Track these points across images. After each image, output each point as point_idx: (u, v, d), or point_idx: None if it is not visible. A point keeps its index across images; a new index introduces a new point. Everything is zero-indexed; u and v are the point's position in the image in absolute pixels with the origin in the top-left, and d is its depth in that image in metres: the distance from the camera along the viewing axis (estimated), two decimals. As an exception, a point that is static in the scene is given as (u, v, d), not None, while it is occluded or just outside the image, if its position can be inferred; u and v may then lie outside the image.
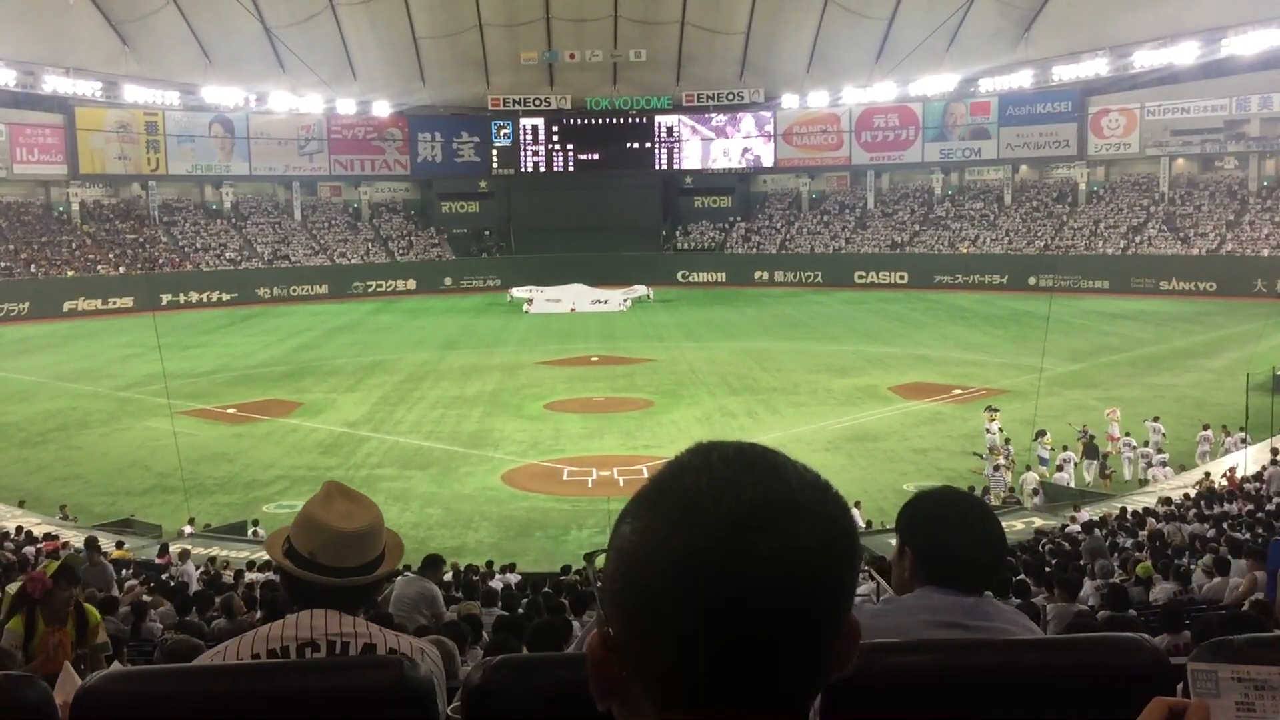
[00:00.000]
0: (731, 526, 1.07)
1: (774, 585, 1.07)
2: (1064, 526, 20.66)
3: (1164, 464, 27.04)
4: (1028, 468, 27.33)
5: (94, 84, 71.11)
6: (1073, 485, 27.18)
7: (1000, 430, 28.96)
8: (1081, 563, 14.31)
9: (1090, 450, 28.17)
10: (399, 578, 11.15)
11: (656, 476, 1.18)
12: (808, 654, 1.10)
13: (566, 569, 18.12)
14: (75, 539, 21.87)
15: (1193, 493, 21.32)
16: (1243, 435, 27.76)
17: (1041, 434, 28.21)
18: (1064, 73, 72.87)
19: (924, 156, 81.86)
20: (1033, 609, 8.14)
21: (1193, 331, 50.55)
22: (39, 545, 19.67)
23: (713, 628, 1.07)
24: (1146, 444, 28.00)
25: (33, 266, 67.65)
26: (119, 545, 20.66)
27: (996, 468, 27.00)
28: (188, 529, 23.46)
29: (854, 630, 1.18)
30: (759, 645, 1.08)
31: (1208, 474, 22.89)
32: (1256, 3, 60.98)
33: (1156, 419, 29.15)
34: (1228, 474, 22.68)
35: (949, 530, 2.44)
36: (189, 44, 74.26)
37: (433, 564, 11.48)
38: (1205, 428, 28.71)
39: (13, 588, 5.77)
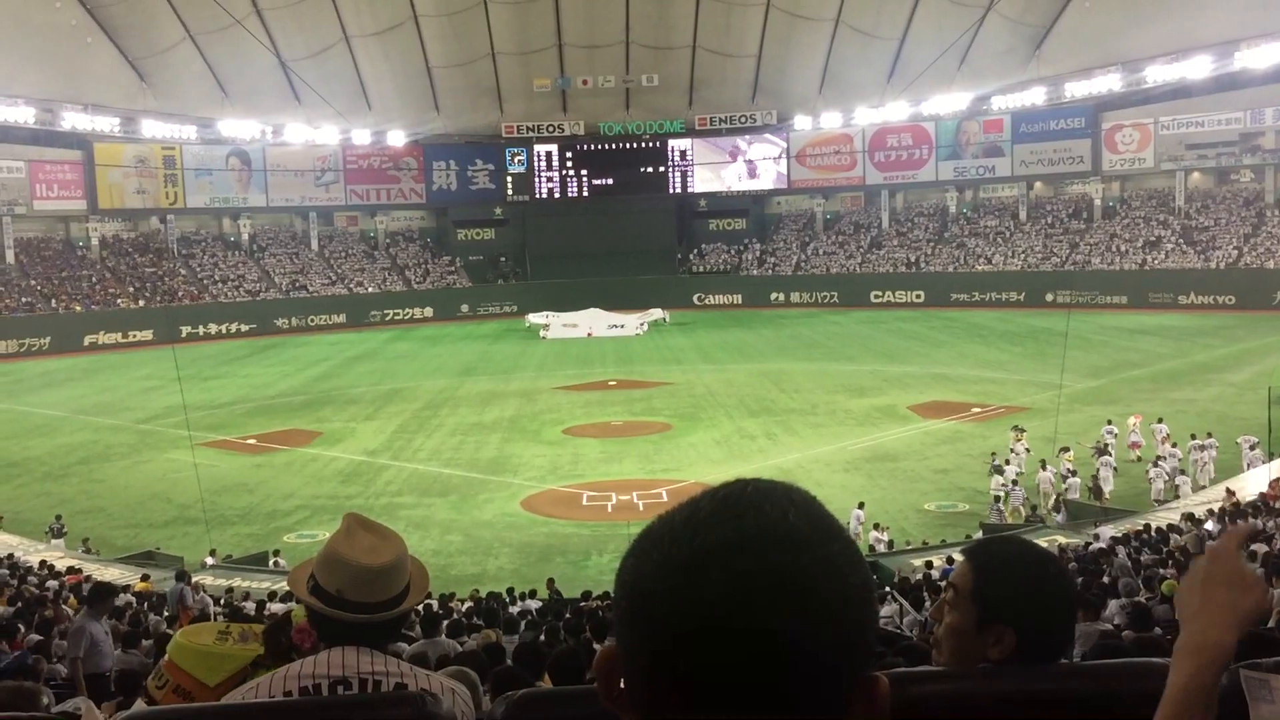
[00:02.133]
0: (681, 569, 1.13)
1: (717, 626, 1.10)
2: (1087, 545, 20.50)
3: (1173, 470, 27.03)
4: (1042, 464, 27.29)
5: (112, 120, 71.84)
6: (1107, 491, 26.99)
7: (1027, 450, 28.87)
8: (1105, 580, 14.20)
9: (1101, 450, 28.23)
10: None
11: (665, 511, 1.24)
12: (772, 694, 1.11)
13: (587, 595, 18.08)
14: (98, 572, 21.98)
15: (1216, 508, 21.13)
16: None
17: (1065, 450, 28.11)
18: (1076, 89, 72.84)
19: (938, 175, 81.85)
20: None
21: (1213, 345, 50.25)
22: (62, 579, 19.76)
23: (659, 654, 1.13)
24: (1163, 456, 28.02)
25: (53, 301, 68.17)
26: (143, 578, 20.71)
27: (1014, 482, 26.76)
28: (210, 560, 23.52)
29: (873, 690, 1.18)
30: (715, 679, 1.11)
31: (1232, 490, 22.66)
32: (1269, 15, 60.85)
33: (1160, 420, 29.97)
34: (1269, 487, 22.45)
35: (1056, 609, 2.16)
36: (205, 79, 75.01)
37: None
38: (1208, 435, 28.73)
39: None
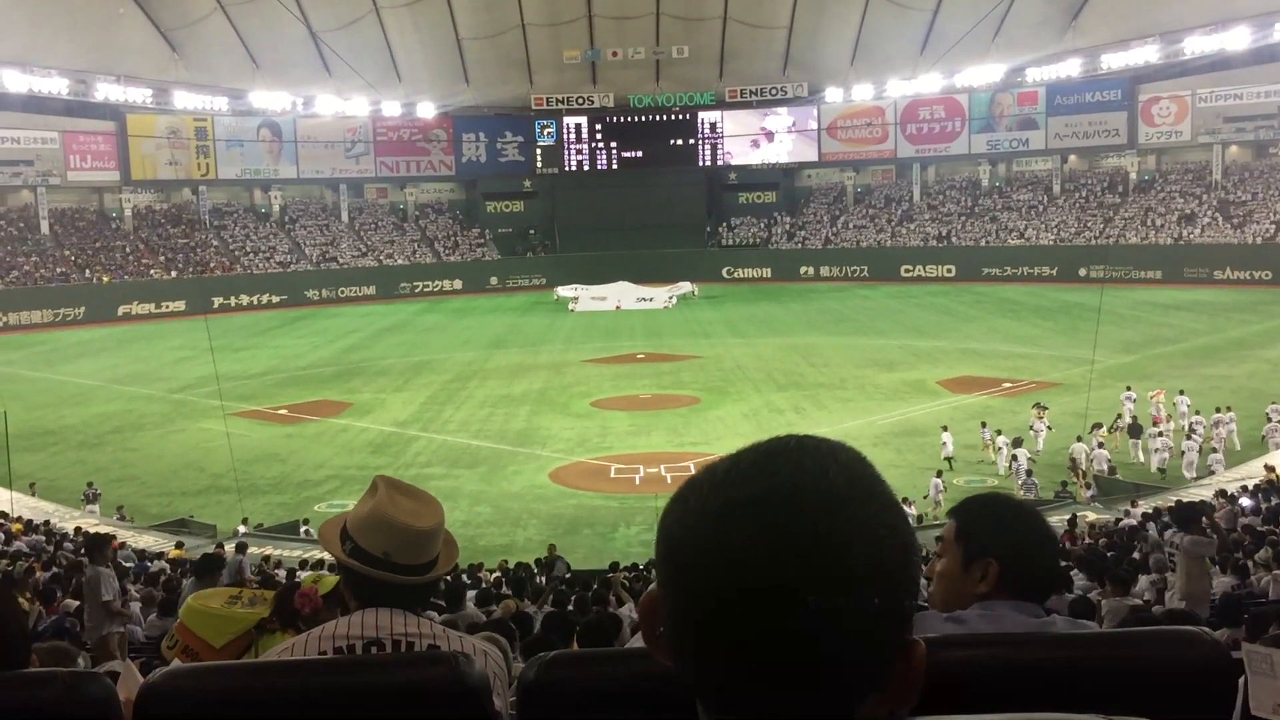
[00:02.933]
0: (713, 517, 1.13)
1: (743, 576, 1.09)
2: (1118, 520, 20.39)
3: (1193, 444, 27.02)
4: (1077, 438, 27.44)
5: (144, 91, 72.19)
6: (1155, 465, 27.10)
7: (1048, 428, 28.78)
8: (1136, 556, 14.12)
9: (1134, 430, 28.34)
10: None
11: (711, 461, 1.24)
12: (799, 647, 1.09)
13: (615, 566, 18.15)
14: (133, 539, 22.27)
15: (1251, 484, 20.95)
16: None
17: (1098, 426, 28.01)
18: (1113, 61, 71.78)
19: (970, 148, 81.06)
20: (1087, 604, 8.05)
21: (1248, 321, 49.67)
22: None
23: (694, 604, 1.12)
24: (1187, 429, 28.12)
25: (87, 271, 68.80)
26: (178, 545, 20.97)
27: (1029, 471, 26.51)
28: (242, 529, 23.78)
29: (910, 654, 1.17)
30: (726, 633, 1.10)
31: (1271, 467, 22.44)
32: (1311, -15, 59.77)
33: (1182, 393, 30.24)
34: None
35: (1034, 542, 2.38)
36: (237, 50, 75.20)
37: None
38: (1227, 409, 29.01)
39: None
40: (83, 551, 15.80)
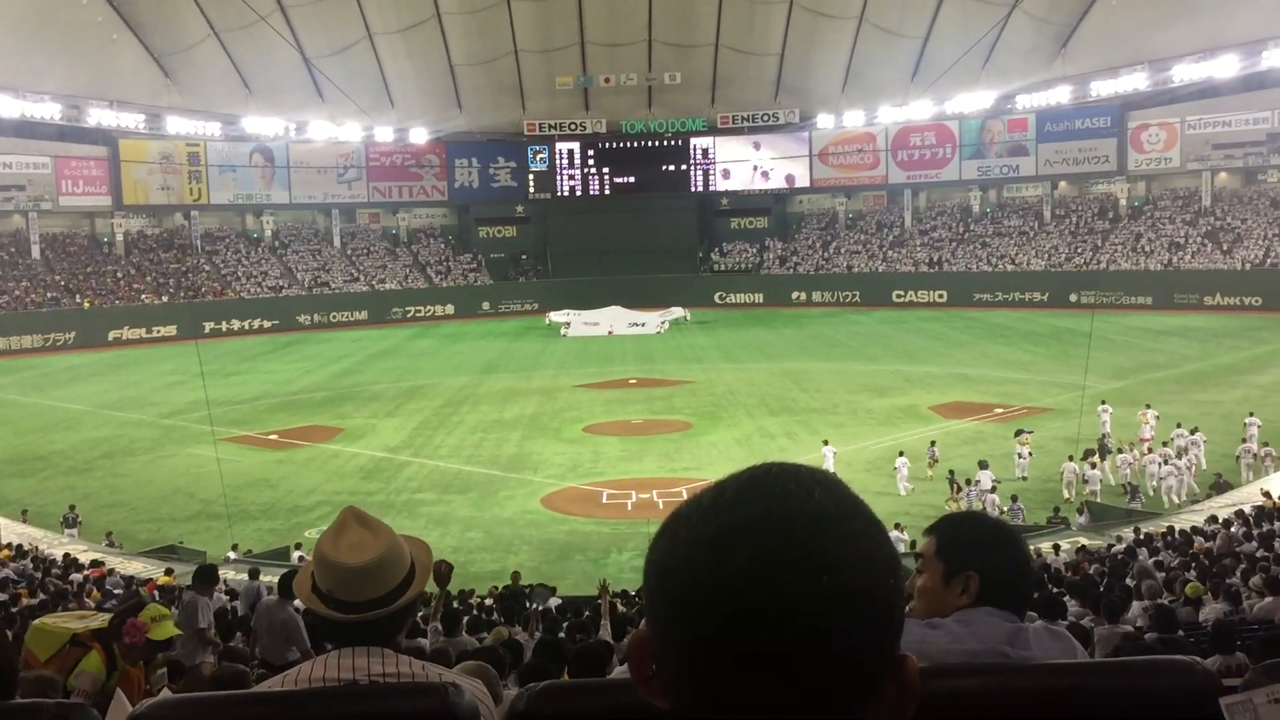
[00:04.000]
0: (706, 546, 1.14)
1: (742, 602, 1.10)
2: (1110, 546, 20.38)
3: (1175, 467, 27.18)
4: (1069, 457, 27.77)
5: (137, 116, 72.35)
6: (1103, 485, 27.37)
7: (1030, 454, 28.91)
8: (1129, 583, 14.11)
9: (1104, 450, 28.60)
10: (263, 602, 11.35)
11: (694, 493, 1.25)
12: (799, 668, 1.11)
13: (604, 583, 17.98)
14: (121, 566, 22.15)
15: (1244, 510, 20.97)
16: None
17: (1091, 452, 28.19)
18: (1102, 88, 72.35)
19: (961, 174, 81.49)
20: (1081, 631, 8.04)
21: (1239, 347, 49.83)
22: (85, 573, 19.91)
23: (687, 633, 1.13)
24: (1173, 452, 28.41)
25: (78, 296, 68.70)
26: (167, 572, 20.84)
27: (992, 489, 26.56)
28: (232, 555, 23.65)
29: (903, 668, 1.19)
30: (729, 657, 1.11)
31: (1268, 492, 22.48)
32: (1297, 14, 60.31)
33: (1180, 424, 30.18)
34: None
35: (1011, 558, 2.43)
36: (230, 75, 75.42)
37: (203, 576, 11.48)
38: (1194, 430, 29.58)
39: (95, 622, 5.55)
40: (100, 590, 15.70)
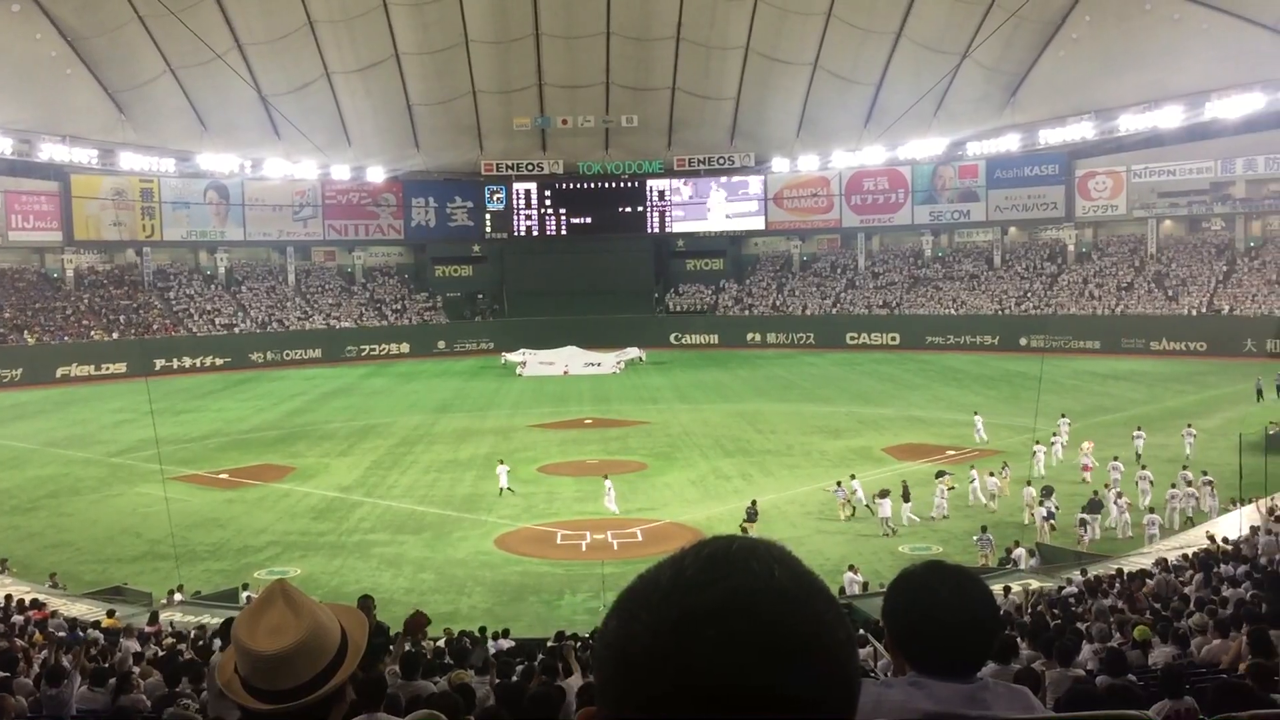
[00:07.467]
0: (673, 631, 1.13)
1: (713, 686, 1.10)
2: (1061, 589, 20.54)
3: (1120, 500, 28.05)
4: (1027, 482, 28.72)
5: (90, 152, 71.69)
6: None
7: (949, 489, 29.74)
8: (1079, 625, 14.21)
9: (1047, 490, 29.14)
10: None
11: (646, 570, 1.23)
12: None
13: (561, 635, 17.92)
14: (65, 608, 21.71)
15: (1190, 553, 21.24)
16: (1207, 479, 29.40)
17: (1098, 504, 28.59)
18: (1050, 136, 73.82)
19: (914, 219, 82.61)
20: (1033, 675, 8.09)
21: (1185, 391, 50.66)
22: (28, 614, 19.48)
23: (649, 715, 1.12)
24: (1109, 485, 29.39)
25: (25, 333, 67.63)
26: (110, 614, 20.44)
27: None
28: (178, 596, 23.24)
29: None
30: None
31: (1212, 535, 22.80)
32: (1239, 67, 61.93)
33: (1116, 457, 31.57)
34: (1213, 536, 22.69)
35: (929, 613, 2.28)
36: (185, 112, 74.99)
37: None
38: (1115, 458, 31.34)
39: None
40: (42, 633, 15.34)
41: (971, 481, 30.92)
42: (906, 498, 29.14)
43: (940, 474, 31.01)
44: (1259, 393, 47.57)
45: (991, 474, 31.02)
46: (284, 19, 70.20)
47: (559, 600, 23.69)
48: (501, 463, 33.89)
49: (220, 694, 10.59)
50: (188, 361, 70.35)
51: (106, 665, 13.86)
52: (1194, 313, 67.18)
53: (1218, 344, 62.71)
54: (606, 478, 31.34)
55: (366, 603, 11.31)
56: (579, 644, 16.62)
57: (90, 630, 18.47)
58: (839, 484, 30.37)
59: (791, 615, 1.15)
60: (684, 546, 1.24)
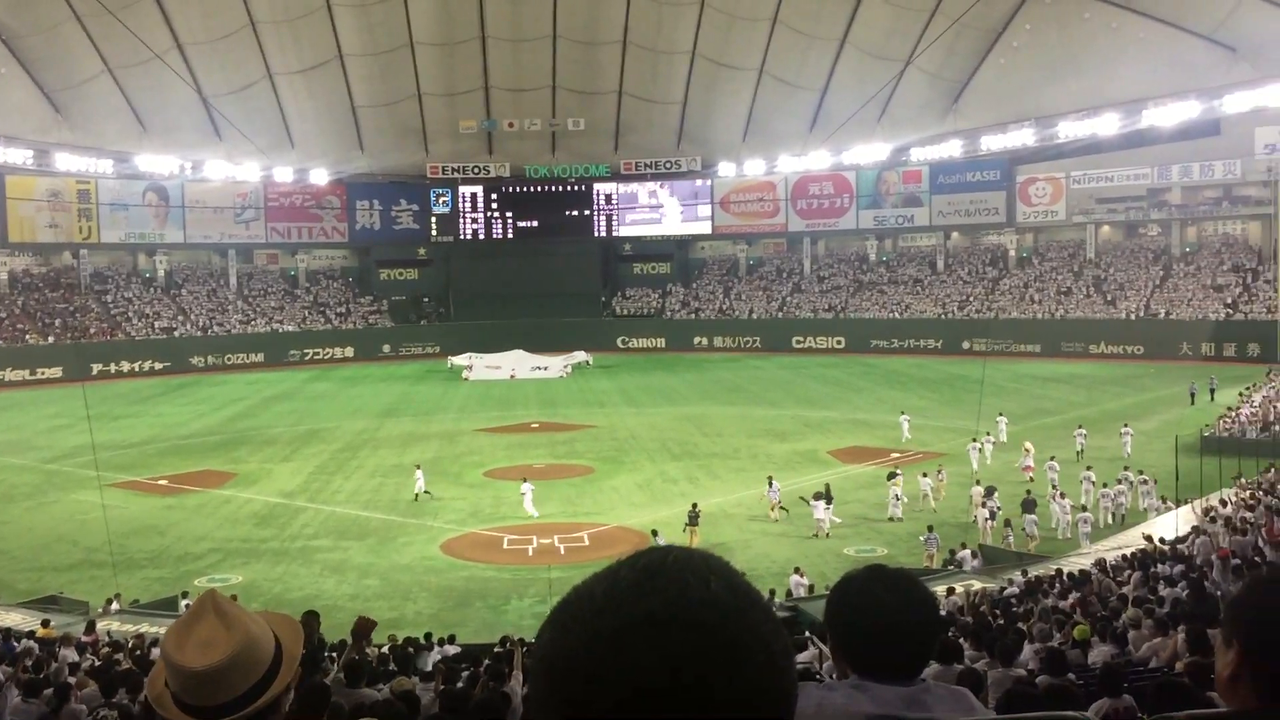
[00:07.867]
0: (609, 643, 1.12)
1: (651, 698, 1.10)
2: (1003, 589, 20.77)
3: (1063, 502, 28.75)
4: (976, 482, 28.95)
5: (25, 152, 70.25)
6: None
7: (899, 498, 29.75)
8: (1020, 625, 14.38)
9: (989, 492, 29.46)
10: None
11: (580, 582, 1.22)
12: None
13: (505, 640, 17.83)
14: (-2, 618, 21.23)
15: (1128, 553, 21.59)
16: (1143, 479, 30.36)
17: (993, 490, 28.98)
18: (992, 142, 74.84)
19: (859, 223, 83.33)
20: (974, 675, 8.17)
21: (1123, 394, 51.56)
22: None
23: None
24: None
25: (-42, 336, 66.17)
26: (44, 624, 20.03)
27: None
28: (115, 605, 22.80)
29: None
30: None
31: (1149, 536, 23.20)
32: (1174, 76, 63.22)
33: (1053, 457, 32.53)
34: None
35: (870, 616, 2.32)
36: (123, 112, 73.75)
37: None
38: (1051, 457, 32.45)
39: None
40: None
41: (923, 480, 31.24)
42: (828, 499, 29.14)
43: (892, 475, 31.21)
44: (1193, 396, 48.56)
45: (924, 474, 31.36)
46: (225, 19, 69.32)
47: (505, 605, 23.57)
48: (418, 467, 33.90)
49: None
50: (126, 366, 69.16)
51: (41, 676, 13.58)
52: (1132, 317, 68.41)
53: (1154, 347, 63.95)
54: (525, 480, 31.20)
55: (310, 620, 11.13)
56: (526, 649, 16.54)
57: (25, 640, 18.08)
58: (771, 480, 30.52)
59: (727, 626, 1.14)
60: (619, 558, 1.23)
